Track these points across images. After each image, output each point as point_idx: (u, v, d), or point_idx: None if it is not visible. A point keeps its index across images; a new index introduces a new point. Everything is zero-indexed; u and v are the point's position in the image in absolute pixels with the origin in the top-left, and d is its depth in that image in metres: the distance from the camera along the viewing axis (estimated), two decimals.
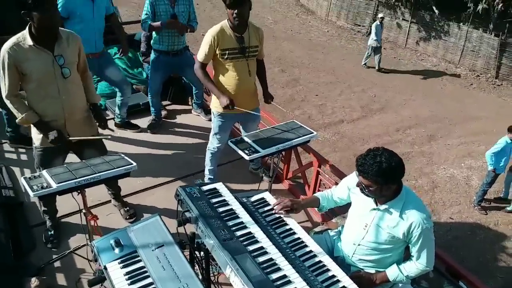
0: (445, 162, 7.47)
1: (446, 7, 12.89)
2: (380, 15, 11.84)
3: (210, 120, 4.59)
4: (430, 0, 13.21)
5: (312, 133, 3.03)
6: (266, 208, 2.25)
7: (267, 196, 2.35)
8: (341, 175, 3.19)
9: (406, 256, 2.21)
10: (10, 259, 2.60)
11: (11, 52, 2.37)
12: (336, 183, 3.30)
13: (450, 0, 12.77)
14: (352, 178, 2.25)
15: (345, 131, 8.18)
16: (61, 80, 2.52)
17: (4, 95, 2.48)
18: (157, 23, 3.83)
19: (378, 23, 11.36)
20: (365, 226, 2.15)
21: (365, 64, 11.63)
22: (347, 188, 2.31)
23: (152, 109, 4.43)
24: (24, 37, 2.41)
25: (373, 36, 11.30)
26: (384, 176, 1.94)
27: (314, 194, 2.51)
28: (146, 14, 3.86)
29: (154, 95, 4.33)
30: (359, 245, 2.19)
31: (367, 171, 1.96)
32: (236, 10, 2.80)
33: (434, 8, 13.13)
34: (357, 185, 2.09)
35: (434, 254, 2.12)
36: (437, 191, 6.69)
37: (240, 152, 2.72)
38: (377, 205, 2.12)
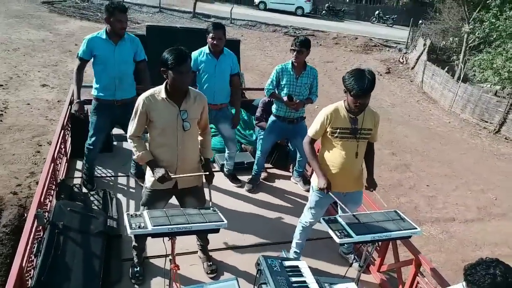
0: None
1: None
2: None
3: (307, 190, 4.58)
4: None
5: (415, 228, 2.75)
6: None
7: None
8: (443, 283, 2.80)
9: None
10: (98, 286, 2.76)
11: (146, 101, 2.71)
12: None
13: None
14: None
15: (456, 231, 7.31)
16: (180, 132, 2.77)
17: (129, 134, 2.81)
18: (278, 95, 4.11)
19: None
20: None
21: None
22: None
23: (255, 166, 4.59)
24: (160, 90, 2.74)
25: None
26: None
27: None
28: (271, 81, 4.13)
29: (263, 154, 4.51)
30: None
31: (479, 283, 1.68)
32: (359, 101, 2.83)
33: None
34: None
35: None
36: None
37: (331, 232, 2.57)
38: None
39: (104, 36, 3.71)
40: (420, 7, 23.88)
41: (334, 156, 3.00)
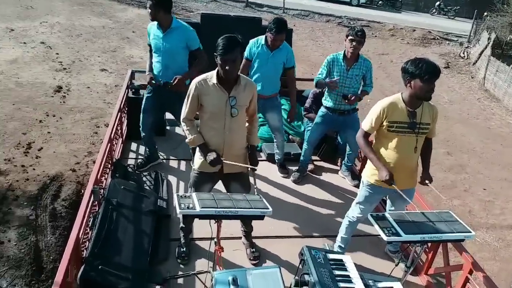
0: None
1: None
2: None
3: (355, 186, 4.49)
4: None
5: (470, 232, 2.60)
6: None
7: (398, 287, 2.09)
8: None
9: None
10: (146, 263, 2.88)
11: (198, 86, 2.79)
12: None
13: None
14: None
15: None
16: (228, 118, 2.81)
17: (182, 117, 2.91)
18: (323, 81, 3.99)
19: None
20: None
21: None
22: None
23: (302, 158, 4.55)
24: (212, 75, 2.80)
25: None
26: None
27: None
28: (321, 72, 4.07)
29: (310, 145, 4.46)
30: None
31: None
32: (432, 85, 2.72)
33: None
34: None
35: None
36: None
37: (379, 229, 2.50)
38: None
39: (157, 24, 3.85)
40: None
41: (391, 152, 2.90)
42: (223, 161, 2.85)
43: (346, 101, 3.99)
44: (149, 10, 3.76)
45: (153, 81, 3.90)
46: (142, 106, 4.11)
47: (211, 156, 2.80)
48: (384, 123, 2.85)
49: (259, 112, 4.21)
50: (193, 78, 2.88)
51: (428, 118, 2.87)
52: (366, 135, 2.97)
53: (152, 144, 4.34)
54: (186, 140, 2.93)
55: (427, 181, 2.95)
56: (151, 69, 4.01)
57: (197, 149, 2.94)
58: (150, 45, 3.98)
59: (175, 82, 3.78)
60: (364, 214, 3.16)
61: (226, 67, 2.65)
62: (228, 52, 2.62)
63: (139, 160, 4.39)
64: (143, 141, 4.30)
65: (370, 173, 3.04)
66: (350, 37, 3.86)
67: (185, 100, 2.87)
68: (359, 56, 3.99)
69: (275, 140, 4.51)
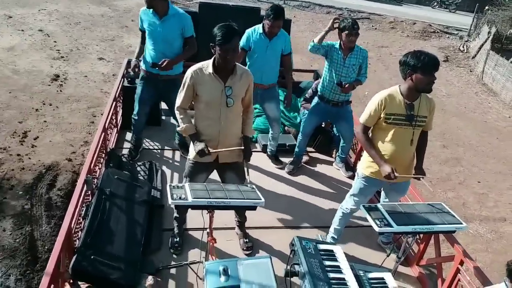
0: None
1: None
2: None
3: (349, 177, 4.50)
4: None
5: (461, 223, 2.63)
6: None
7: (388, 278, 2.11)
8: (485, 282, 2.66)
9: None
10: (138, 253, 2.89)
11: (194, 75, 2.77)
12: None
13: None
14: None
15: (506, 232, 6.90)
16: (224, 108, 2.80)
17: (176, 105, 2.90)
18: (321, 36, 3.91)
19: None
20: None
21: None
22: None
23: (296, 148, 4.55)
24: (207, 64, 2.78)
25: None
26: None
27: None
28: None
29: (304, 136, 4.46)
30: None
31: None
32: (433, 78, 2.71)
33: None
34: None
35: None
36: None
37: (371, 220, 2.52)
38: None
39: (151, 11, 3.79)
40: None
41: (387, 144, 2.89)
42: (212, 151, 2.83)
43: (341, 88, 3.96)
44: None
45: (137, 69, 3.87)
46: (138, 97, 4.07)
47: (199, 146, 2.79)
48: (382, 115, 2.84)
49: (257, 102, 4.20)
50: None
51: (425, 110, 2.87)
52: (366, 129, 2.95)
53: (141, 132, 4.33)
54: (178, 129, 2.93)
55: (420, 177, 2.95)
56: (140, 55, 3.96)
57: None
58: (142, 30, 3.93)
59: (163, 64, 3.74)
60: (357, 206, 3.17)
61: (227, 57, 2.64)
62: (228, 41, 2.60)
63: (128, 150, 4.35)
64: (135, 129, 4.23)
65: (365, 166, 3.04)
66: (347, 31, 3.81)
67: (180, 88, 2.86)
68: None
69: (271, 132, 4.49)
